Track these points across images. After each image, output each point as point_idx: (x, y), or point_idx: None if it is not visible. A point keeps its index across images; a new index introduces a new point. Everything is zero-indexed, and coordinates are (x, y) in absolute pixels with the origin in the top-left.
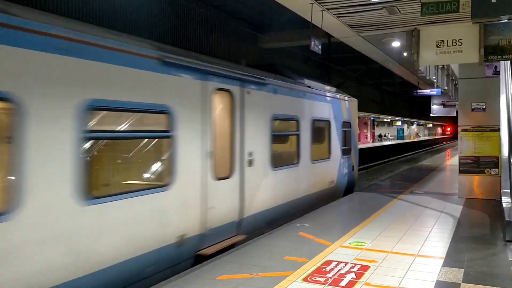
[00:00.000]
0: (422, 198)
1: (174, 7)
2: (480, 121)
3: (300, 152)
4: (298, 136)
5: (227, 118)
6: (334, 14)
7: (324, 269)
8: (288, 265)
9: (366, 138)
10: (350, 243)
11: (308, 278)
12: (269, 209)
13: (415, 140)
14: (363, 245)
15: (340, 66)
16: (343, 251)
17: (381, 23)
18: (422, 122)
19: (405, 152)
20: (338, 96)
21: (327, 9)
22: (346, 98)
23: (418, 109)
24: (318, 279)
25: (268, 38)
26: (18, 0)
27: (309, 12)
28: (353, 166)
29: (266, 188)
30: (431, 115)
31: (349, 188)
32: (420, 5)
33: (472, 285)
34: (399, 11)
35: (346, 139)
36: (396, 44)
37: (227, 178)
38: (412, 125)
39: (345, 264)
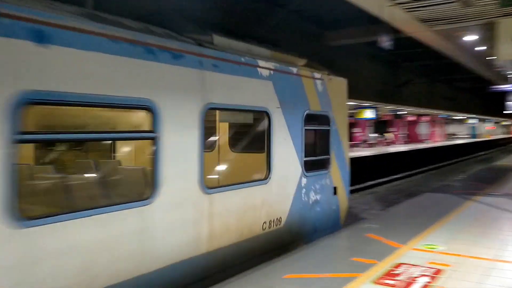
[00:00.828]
0: (499, 200)
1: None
2: None
3: (159, 174)
4: (155, 140)
5: None
6: (404, 9)
7: (394, 272)
8: (356, 267)
9: (437, 137)
10: (421, 246)
11: (378, 281)
12: None
13: (489, 138)
14: (436, 248)
15: (408, 62)
16: (414, 253)
17: (454, 17)
18: (497, 119)
19: (479, 151)
20: (293, 70)
21: (398, 3)
22: (317, 76)
23: (492, 105)
24: (388, 281)
25: (333, 35)
26: None
27: (377, 7)
28: (335, 188)
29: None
30: (506, 111)
31: (326, 226)
32: None
33: None
34: (475, 4)
35: (318, 143)
36: (469, 38)
37: None
38: (486, 122)
39: (417, 268)
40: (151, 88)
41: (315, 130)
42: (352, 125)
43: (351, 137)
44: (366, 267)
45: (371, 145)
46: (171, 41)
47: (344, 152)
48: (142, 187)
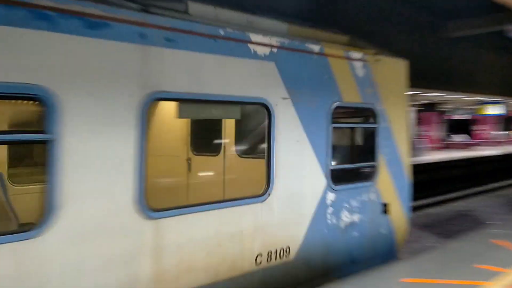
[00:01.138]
0: None
1: None
2: None
3: (56, 193)
4: (48, 144)
5: None
6: None
7: None
8: (479, 274)
9: None
10: None
11: None
12: None
13: None
14: None
15: None
16: None
17: None
18: None
19: None
20: (314, 47)
21: None
22: (356, 56)
23: None
24: None
25: (451, 26)
26: None
27: None
28: (385, 205)
29: None
30: None
31: (370, 255)
32: None
33: None
34: None
35: (357, 146)
36: None
37: None
38: None
39: None
40: (43, 70)
41: (351, 128)
42: (472, 122)
43: (472, 135)
44: (492, 275)
45: (497, 144)
46: (83, 4)
47: (401, 158)
48: (23, 212)
